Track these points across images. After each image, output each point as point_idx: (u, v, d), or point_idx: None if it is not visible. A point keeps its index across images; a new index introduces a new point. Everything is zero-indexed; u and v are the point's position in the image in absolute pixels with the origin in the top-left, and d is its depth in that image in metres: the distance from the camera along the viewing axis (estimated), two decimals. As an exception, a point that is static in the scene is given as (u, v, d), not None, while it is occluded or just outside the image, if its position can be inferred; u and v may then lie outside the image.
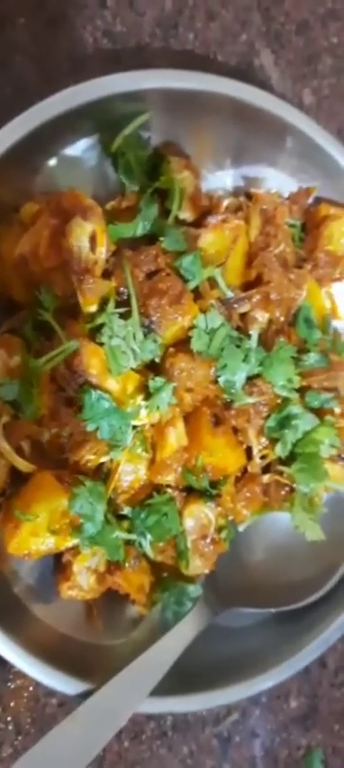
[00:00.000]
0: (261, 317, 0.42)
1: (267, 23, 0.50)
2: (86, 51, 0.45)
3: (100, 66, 0.45)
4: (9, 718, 0.43)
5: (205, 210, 0.43)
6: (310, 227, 0.47)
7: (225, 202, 0.44)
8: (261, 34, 0.50)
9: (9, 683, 0.43)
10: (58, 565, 0.40)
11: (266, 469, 0.43)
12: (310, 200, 0.47)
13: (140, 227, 0.39)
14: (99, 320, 0.36)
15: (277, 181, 0.46)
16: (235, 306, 0.41)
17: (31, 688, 0.44)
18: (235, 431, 0.41)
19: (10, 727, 0.43)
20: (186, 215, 0.42)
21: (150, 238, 0.40)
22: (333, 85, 0.52)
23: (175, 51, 0.47)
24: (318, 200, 0.47)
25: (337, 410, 0.44)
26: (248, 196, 0.45)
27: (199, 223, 0.43)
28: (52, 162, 0.40)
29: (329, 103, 0.52)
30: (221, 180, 0.45)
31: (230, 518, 0.42)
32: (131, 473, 0.39)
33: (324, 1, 0.51)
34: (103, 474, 0.39)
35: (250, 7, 0.49)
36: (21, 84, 0.44)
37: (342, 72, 0.52)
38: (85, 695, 0.37)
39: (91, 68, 0.45)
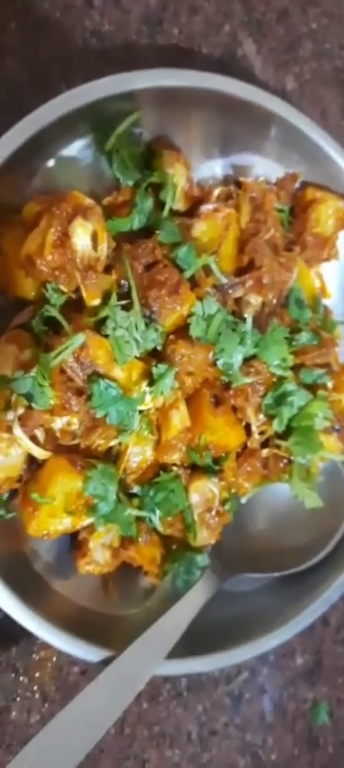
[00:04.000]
0: (255, 300, 0.44)
1: (248, 13, 0.51)
2: (76, 52, 0.46)
3: (89, 65, 0.47)
4: (35, 688, 0.46)
5: (197, 200, 0.45)
6: (297, 211, 0.49)
7: (216, 191, 0.46)
8: (243, 24, 0.51)
9: (34, 655, 0.46)
10: (74, 542, 0.43)
11: (264, 444, 0.45)
12: (296, 186, 0.48)
13: (136, 221, 0.41)
14: (103, 313, 0.38)
15: (264, 167, 0.48)
16: (229, 291, 0.43)
17: (54, 658, 0.47)
18: (234, 409, 0.44)
19: (37, 696, 0.46)
20: (179, 205, 0.44)
21: (147, 230, 0.42)
22: (314, 70, 0.53)
23: (161, 46, 0.48)
24: (304, 185, 0.48)
25: (329, 384, 0.46)
26: (238, 184, 0.47)
27: (192, 212, 0.44)
28: (50, 163, 0.41)
29: (311, 88, 0.53)
30: (211, 169, 0.47)
31: (233, 491, 0.45)
32: (138, 454, 0.41)
33: (303, -13, 0.53)
34: (113, 456, 0.41)
35: (232, -2, 0.50)
36: (14, 87, 0.46)
37: (323, 56, 0.54)
38: (104, 662, 0.39)
39: (81, 68, 0.46)
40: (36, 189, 0.41)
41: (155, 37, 0.48)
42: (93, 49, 0.47)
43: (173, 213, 0.44)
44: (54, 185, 0.41)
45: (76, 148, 0.42)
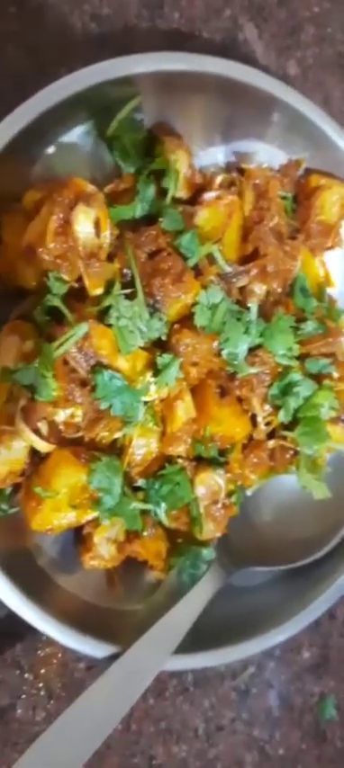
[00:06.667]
0: (259, 289, 0.43)
1: (249, -3, 0.50)
2: (75, 36, 0.46)
3: (89, 50, 0.46)
4: (41, 684, 0.46)
5: (200, 187, 0.44)
6: (301, 198, 0.48)
7: (218, 179, 0.45)
8: (244, 8, 0.50)
9: (39, 651, 0.46)
10: (79, 537, 0.42)
11: (271, 435, 0.44)
12: (300, 172, 0.48)
13: (138, 209, 0.40)
14: (106, 302, 0.37)
15: (267, 154, 0.47)
16: (234, 280, 0.42)
17: (59, 655, 0.46)
18: (240, 400, 0.43)
19: (42, 693, 0.46)
20: (182, 193, 0.43)
21: (149, 218, 0.41)
22: (317, 55, 0.53)
23: (161, 31, 0.48)
24: (308, 172, 0.48)
25: (335, 374, 0.46)
26: (241, 171, 0.46)
27: (194, 200, 0.44)
28: (50, 150, 0.41)
29: (313, 73, 0.53)
30: (213, 156, 0.46)
31: (239, 483, 0.44)
32: (143, 446, 0.40)
33: (304, -29, 0.52)
34: (117, 449, 0.41)
35: (233, -18, 0.50)
36: (17, 73, 0.45)
37: (325, 41, 0.53)
38: (110, 658, 0.39)
39: (81, 53, 0.46)
40: (36, 177, 0.40)
41: (155, 21, 0.48)
42: (92, 34, 0.46)
43: (175, 201, 0.43)
44: (54, 173, 0.40)
45: (77, 135, 0.41)
